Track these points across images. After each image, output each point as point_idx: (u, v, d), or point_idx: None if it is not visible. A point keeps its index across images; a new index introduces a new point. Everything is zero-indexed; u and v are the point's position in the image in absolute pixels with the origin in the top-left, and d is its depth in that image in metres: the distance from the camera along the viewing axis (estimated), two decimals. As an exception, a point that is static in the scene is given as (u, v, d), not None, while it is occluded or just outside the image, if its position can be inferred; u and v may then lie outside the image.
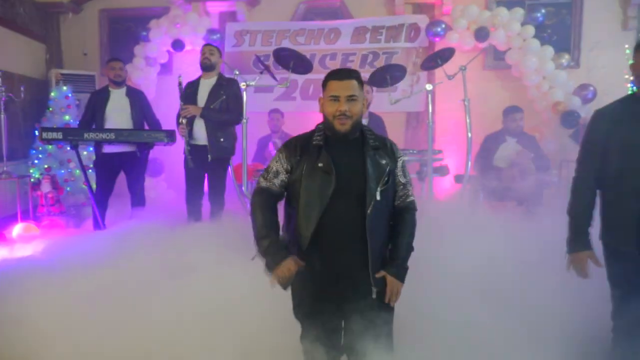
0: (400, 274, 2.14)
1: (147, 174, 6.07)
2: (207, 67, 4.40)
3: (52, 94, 5.84)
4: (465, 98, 4.35)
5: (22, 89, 5.49)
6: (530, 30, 5.59)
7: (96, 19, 6.90)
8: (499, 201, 4.66)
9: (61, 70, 6.24)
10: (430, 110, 4.33)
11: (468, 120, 4.33)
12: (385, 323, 2.16)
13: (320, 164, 2.07)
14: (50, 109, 5.78)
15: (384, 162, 2.13)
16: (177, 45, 6.25)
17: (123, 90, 4.75)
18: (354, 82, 2.11)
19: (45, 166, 5.55)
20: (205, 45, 4.52)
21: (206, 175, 4.45)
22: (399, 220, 2.20)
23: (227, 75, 4.63)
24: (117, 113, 4.66)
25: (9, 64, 5.80)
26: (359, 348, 2.11)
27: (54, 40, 6.84)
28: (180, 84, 4.30)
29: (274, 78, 4.49)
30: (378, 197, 2.06)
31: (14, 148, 5.73)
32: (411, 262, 2.19)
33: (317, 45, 6.28)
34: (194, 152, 4.29)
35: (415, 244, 2.22)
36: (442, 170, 4.46)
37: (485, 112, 5.76)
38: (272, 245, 2.09)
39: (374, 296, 2.10)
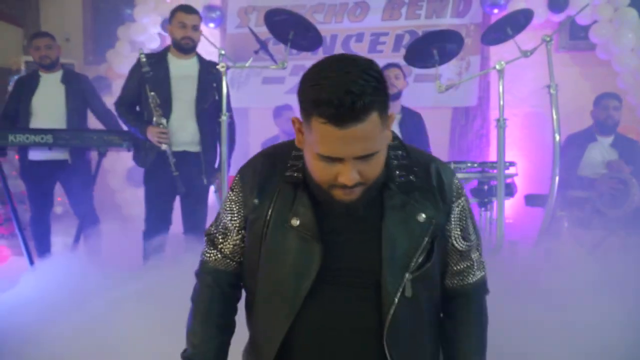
0: None
1: (130, 183, 5.13)
2: (188, 49, 3.18)
3: (9, 85, 4.77)
4: (551, 84, 3.00)
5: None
6: (625, -4, 4.23)
7: (79, -3, 5.91)
8: (589, 230, 3.33)
9: (27, 57, 5.16)
10: (501, 102, 2.99)
11: (555, 117, 2.98)
12: None
13: (294, 220, 1.07)
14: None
15: (422, 217, 1.08)
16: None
17: (57, 74, 3.59)
18: (373, 119, 0.95)
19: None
20: (183, 11, 3.18)
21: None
22: (456, 317, 1.20)
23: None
24: (48, 106, 3.49)
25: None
26: None
27: (32, 24, 5.89)
28: (144, 63, 3.03)
29: (272, 57, 3.25)
30: (409, 293, 1.05)
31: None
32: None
33: (340, 23, 5.10)
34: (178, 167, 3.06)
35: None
36: (509, 189, 3.13)
37: (559, 107, 4.42)
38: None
39: None
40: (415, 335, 1.10)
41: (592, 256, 2.68)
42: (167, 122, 3.04)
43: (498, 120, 2.93)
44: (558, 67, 4.59)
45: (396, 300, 1.04)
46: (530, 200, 3.64)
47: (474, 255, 1.20)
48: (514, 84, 4.66)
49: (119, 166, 5.08)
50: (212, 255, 1.23)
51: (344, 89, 0.91)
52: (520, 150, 4.53)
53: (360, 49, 5.04)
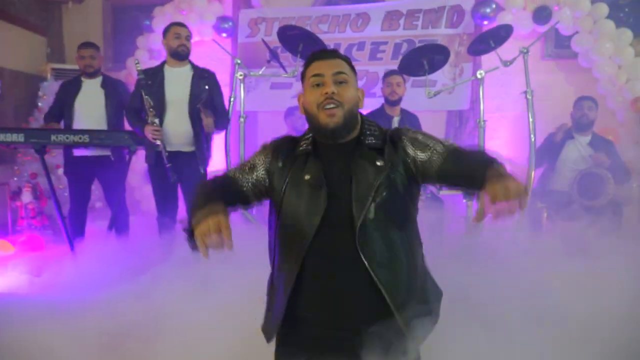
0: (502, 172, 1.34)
1: (148, 181, 5.47)
2: (184, 55, 3.55)
3: (40, 91, 5.16)
4: (527, 90, 3.38)
5: (-1, 84, 4.82)
6: (603, 9, 4.57)
7: (99, 8, 6.25)
8: (568, 220, 3.67)
9: (55, 65, 5.57)
10: (482, 106, 3.37)
11: (531, 119, 3.36)
12: None
13: (307, 176, 1.54)
14: (39, 106, 5.12)
15: (379, 163, 1.53)
16: (184, 35, 5.50)
17: (97, 80, 3.95)
18: (343, 62, 1.61)
19: (30, 172, 4.87)
20: (177, 25, 3.60)
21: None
22: (458, 161, 1.50)
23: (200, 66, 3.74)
24: (88, 108, 3.85)
25: (-2, 57, 5.18)
26: None
27: (55, 33, 6.23)
28: (139, 71, 3.45)
29: (282, 67, 3.63)
30: (371, 215, 1.48)
31: (1, 151, 5.09)
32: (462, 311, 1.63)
33: (343, 33, 5.41)
34: (171, 162, 3.43)
35: (465, 284, 1.74)
36: (494, 183, 3.49)
37: (545, 110, 4.77)
38: (199, 198, 1.50)
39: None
40: (387, 248, 1.47)
41: (564, 241, 3.02)
42: (162, 123, 3.44)
43: (479, 121, 3.29)
44: (545, 73, 5.02)
45: (359, 222, 1.45)
46: (513, 193, 3.99)
47: (440, 147, 1.55)
48: (504, 89, 5.01)
49: (138, 165, 5.43)
50: (233, 170, 1.67)
51: (324, 51, 1.65)
52: (508, 149, 4.89)
53: (361, 57, 5.35)
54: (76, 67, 5.52)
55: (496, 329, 1.99)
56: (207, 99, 3.50)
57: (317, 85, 1.55)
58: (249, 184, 1.62)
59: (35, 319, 2.58)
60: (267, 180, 1.62)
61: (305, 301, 1.52)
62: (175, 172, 3.40)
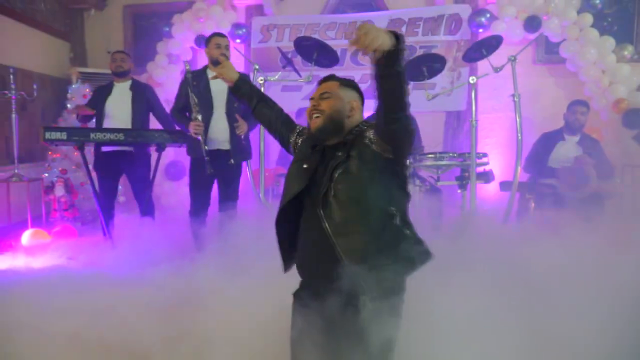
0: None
1: (167, 177, 5.91)
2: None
3: (69, 93, 5.57)
4: (515, 94, 3.78)
5: (34, 87, 5.22)
6: (588, 18, 4.99)
7: (120, 15, 6.64)
8: (552, 210, 4.06)
9: (80, 69, 5.98)
10: (473, 108, 3.78)
11: (518, 120, 3.76)
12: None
13: (305, 165, 2.00)
14: (68, 107, 5.53)
15: (339, 154, 1.92)
16: (201, 41, 5.89)
17: (127, 84, 4.36)
18: (330, 83, 2.03)
19: (60, 168, 5.27)
20: (219, 35, 3.93)
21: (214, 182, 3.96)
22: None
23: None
24: (118, 108, 4.26)
25: (27, 61, 5.58)
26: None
27: (78, 38, 6.63)
28: (188, 71, 3.75)
29: (297, 73, 4.04)
30: (332, 193, 1.87)
31: (32, 149, 5.51)
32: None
33: (350, 39, 5.79)
34: (210, 157, 3.75)
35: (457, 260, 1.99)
36: (486, 177, 3.91)
37: (536, 111, 5.22)
38: None
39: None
40: (345, 219, 1.83)
41: (547, 225, 3.42)
42: (210, 122, 3.77)
43: (471, 121, 3.70)
44: (536, 77, 5.44)
45: (320, 199, 1.87)
46: (504, 186, 4.41)
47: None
48: (497, 91, 5.41)
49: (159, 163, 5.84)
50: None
51: (323, 78, 2.08)
52: (503, 148, 5.30)
53: (366, 61, 5.68)
54: (100, 70, 6.06)
55: (487, 293, 2.39)
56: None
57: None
58: (293, 134, 2.22)
59: (81, 289, 2.94)
60: (293, 142, 2.21)
61: (297, 256, 2.04)
62: (213, 167, 3.72)
